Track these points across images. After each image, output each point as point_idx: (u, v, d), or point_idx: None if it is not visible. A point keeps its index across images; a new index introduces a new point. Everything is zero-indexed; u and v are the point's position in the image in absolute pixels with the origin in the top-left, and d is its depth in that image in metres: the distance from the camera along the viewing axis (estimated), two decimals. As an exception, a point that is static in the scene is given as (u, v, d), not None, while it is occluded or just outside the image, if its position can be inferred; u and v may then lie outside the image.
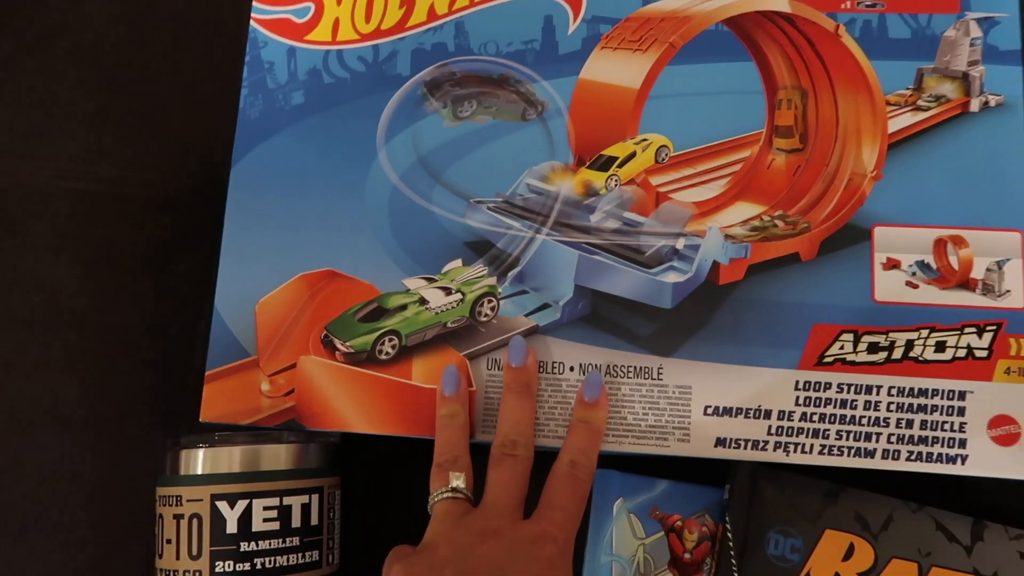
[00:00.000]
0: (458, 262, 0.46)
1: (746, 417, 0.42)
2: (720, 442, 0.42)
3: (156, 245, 0.53)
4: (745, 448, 0.42)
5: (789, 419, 0.42)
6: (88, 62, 0.56)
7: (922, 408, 0.42)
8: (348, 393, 0.45)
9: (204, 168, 0.53)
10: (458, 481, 0.40)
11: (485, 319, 0.45)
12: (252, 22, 0.50)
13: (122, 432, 0.50)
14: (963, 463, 0.41)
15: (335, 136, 0.48)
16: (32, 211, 0.53)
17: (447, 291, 0.45)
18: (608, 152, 0.46)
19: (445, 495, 0.39)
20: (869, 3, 0.46)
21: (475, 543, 0.36)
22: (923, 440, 0.41)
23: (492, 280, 0.45)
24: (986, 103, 0.44)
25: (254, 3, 0.50)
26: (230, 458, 0.42)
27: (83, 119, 0.55)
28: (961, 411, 0.41)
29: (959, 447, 0.41)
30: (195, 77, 0.55)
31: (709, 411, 0.42)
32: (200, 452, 0.42)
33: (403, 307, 0.45)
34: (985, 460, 0.41)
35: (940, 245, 0.43)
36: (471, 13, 0.49)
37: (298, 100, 0.49)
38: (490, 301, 0.45)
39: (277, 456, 0.43)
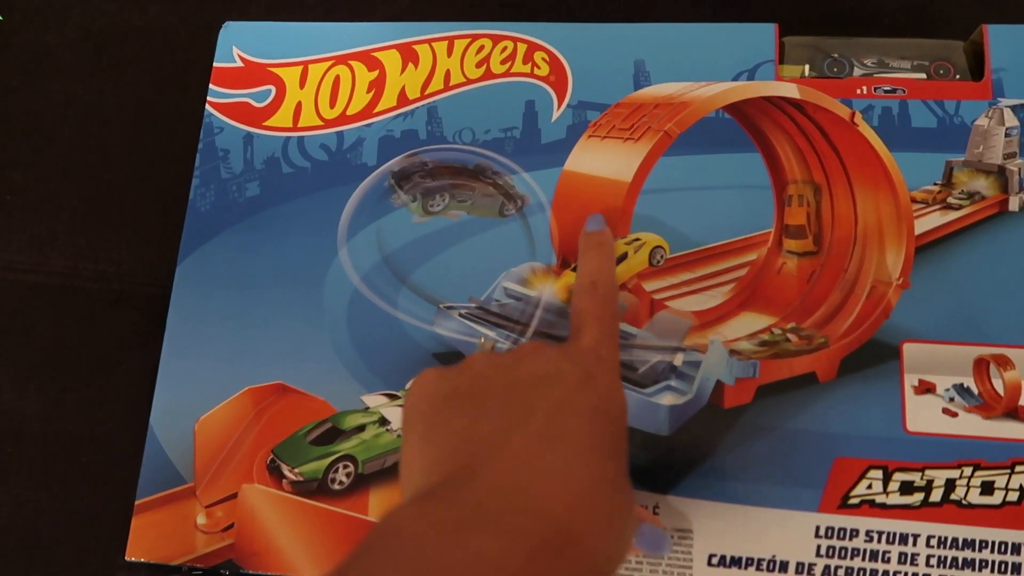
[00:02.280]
0: (425, 377, 0.40)
1: (758, 569, 0.36)
2: (727, 599, 0.36)
3: (107, 343, 0.48)
4: (757, 607, 0.35)
5: (810, 572, 0.36)
6: (44, 145, 0.53)
7: (969, 563, 0.35)
8: (295, 529, 0.39)
9: (162, 260, 0.49)
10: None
11: (454, 444, 0.39)
12: (208, 106, 0.46)
13: (57, 559, 0.45)
14: (1021, 633, 0.34)
15: (292, 232, 0.43)
16: (-24, 306, 0.49)
17: (411, 410, 0.40)
18: (596, 253, 0.41)
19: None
20: (888, 89, 0.41)
21: (514, 358, 0.31)
22: (971, 603, 0.35)
23: (463, 398, 0.40)
24: (1027, 201, 0.39)
25: (211, 85, 0.47)
26: (161, 607, 0.36)
27: (37, 206, 0.52)
28: (1016, 568, 0.35)
29: (1016, 612, 0.34)
30: (155, 162, 0.51)
31: (714, 561, 0.36)
32: (126, 600, 0.36)
33: (361, 428, 0.40)
34: (1048, 629, 0.34)
35: (982, 366, 0.37)
36: (445, 98, 0.44)
37: (253, 191, 0.44)
38: (460, 423, 0.40)
39: (218, 604, 0.37)
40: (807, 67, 0.43)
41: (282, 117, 0.45)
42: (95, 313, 0.49)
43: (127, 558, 0.40)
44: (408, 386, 0.32)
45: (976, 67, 0.42)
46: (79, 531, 0.45)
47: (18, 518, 0.45)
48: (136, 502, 0.40)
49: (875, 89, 0.41)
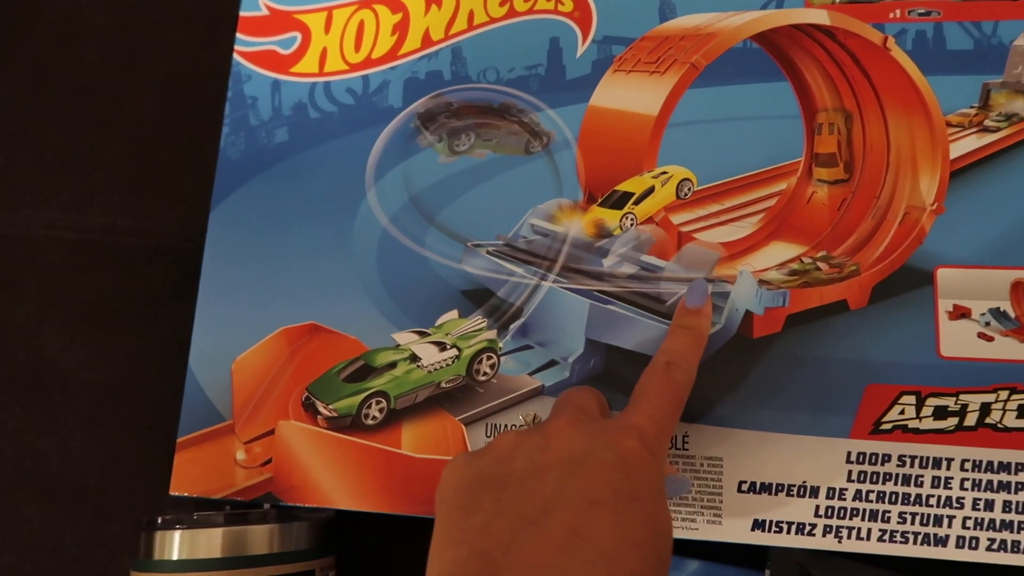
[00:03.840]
0: (454, 313, 0.41)
1: (788, 495, 0.36)
2: (758, 525, 0.36)
3: (146, 297, 0.50)
4: (788, 532, 0.35)
5: (841, 498, 0.35)
6: (80, 105, 0.54)
7: (1004, 486, 0.35)
8: (330, 464, 0.40)
9: (197, 214, 0.50)
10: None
11: (484, 378, 0.40)
12: (235, 55, 0.47)
13: (105, 501, 0.47)
14: (1059, 555, 0.34)
15: (321, 176, 0.44)
16: (20, 264, 0.51)
17: (441, 347, 0.40)
18: (623, 187, 0.41)
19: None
20: (923, 11, 0.40)
21: (545, 433, 0.30)
22: (1007, 525, 0.34)
23: (492, 334, 0.40)
24: (1068, 121, 0.38)
25: (237, 35, 0.47)
26: (210, 542, 0.38)
27: (74, 165, 0.53)
28: (1053, 490, 0.34)
29: (1053, 535, 0.34)
30: (188, 119, 0.52)
31: (744, 487, 0.36)
32: (176, 535, 0.38)
33: (392, 365, 0.40)
34: (1087, 551, 0.33)
35: (1019, 289, 0.36)
36: (469, 38, 0.44)
37: (282, 137, 0.45)
38: (489, 358, 0.40)
39: (263, 538, 0.38)
40: (838, -7, 0.42)
41: (308, 63, 0.46)
42: (133, 268, 0.50)
43: (171, 492, 0.41)
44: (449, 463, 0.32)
45: (1015, -14, 0.40)
46: (125, 474, 0.47)
47: (67, 464, 0.47)
48: (178, 439, 0.42)
49: (909, 12, 0.40)
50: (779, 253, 0.39)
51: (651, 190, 0.40)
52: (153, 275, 0.50)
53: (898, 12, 0.40)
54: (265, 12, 0.47)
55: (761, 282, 0.38)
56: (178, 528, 0.38)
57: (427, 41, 0.45)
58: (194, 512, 0.39)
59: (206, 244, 0.44)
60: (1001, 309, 0.36)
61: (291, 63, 0.46)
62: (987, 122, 0.38)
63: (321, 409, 0.40)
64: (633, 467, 0.29)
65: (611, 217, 0.40)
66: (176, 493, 0.41)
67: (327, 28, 0.46)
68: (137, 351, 0.49)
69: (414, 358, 0.40)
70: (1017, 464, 0.35)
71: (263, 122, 0.45)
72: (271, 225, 0.43)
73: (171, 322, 0.49)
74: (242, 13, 0.47)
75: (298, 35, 0.46)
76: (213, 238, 0.44)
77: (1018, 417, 0.35)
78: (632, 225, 0.40)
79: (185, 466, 0.41)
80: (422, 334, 0.41)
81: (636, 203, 0.40)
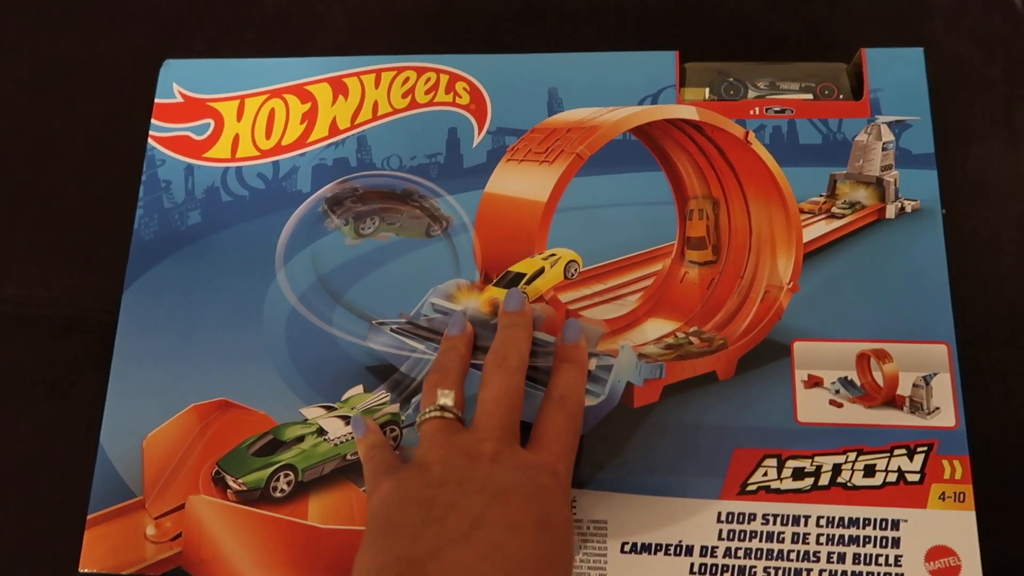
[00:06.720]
0: (359, 388, 0.43)
1: (666, 554, 0.39)
2: (639, 583, 0.39)
3: (60, 368, 0.50)
4: (667, 589, 0.39)
5: (712, 555, 0.39)
6: None
7: (854, 540, 0.38)
8: (239, 536, 0.41)
9: (114, 285, 0.51)
10: (446, 399, 0.38)
11: (387, 450, 0.42)
12: (150, 140, 0.49)
13: (13, 577, 0.46)
14: (902, 601, 0.37)
15: (232, 257, 0.46)
16: (-68, 334, 0.50)
17: (347, 420, 0.42)
18: (516, 268, 0.44)
19: (433, 414, 0.37)
20: (778, 109, 0.45)
21: (470, 465, 0.34)
22: (857, 576, 0.38)
23: (395, 407, 0.43)
24: (902, 209, 0.43)
25: (152, 120, 0.49)
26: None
27: None
28: (896, 542, 0.38)
29: (896, 583, 0.38)
30: (104, 192, 0.53)
31: (627, 548, 0.39)
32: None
33: (300, 439, 0.42)
34: (925, 597, 0.37)
35: (863, 360, 0.41)
36: (374, 127, 0.47)
37: (195, 219, 0.47)
38: (392, 430, 0.42)
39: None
40: (707, 90, 0.46)
41: (221, 149, 0.48)
42: (48, 339, 0.51)
43: (81, 569, 0.42)
44: (372, 490, 0.36)
45: (858, 87, 0.46)
46: (35, 549, 0.46)
47: (-28, 542, 0.47)
48: (88, 516, 0.43)
49: (766, 110, 0.45)
50: (656, 329, 0.43)
51: (541, 271, 0.44)
52: (69, 346, 0.50)
53: (757, 110, 0.45)
54: (180, 99, 0.49)
55: (640, 356, 0.42)
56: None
57: (334, 130, 0.47)
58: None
59: (119, 323, 0.46)
60: (848, 378, 0.41)
61: (204, 148, 0.48)
62: (834, 209, 0.43)
63: (230, 483, 0.42)
64: (549, 502, 0.34)
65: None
66: (85, 570, 0.42)
67: (239, 116, 0.48)
68: (50, 423, 0.49)
69: (321, 432, 0.42)
70: (864, 519, 0.39)
71: (176, 204, 0.47)
72: (183, 305, 0.45)
73: (86, 393, 0.49)
74: (157, 100, 0.50)
75: (211, 122, 0.48)
76: (125, 318, 0.46)
77: (865, 476, 0.39)
78: (524, 303, 0.43)
79: (95, 542, 0.42)
80: (329, 408, 0.43)
81: (528, 283, 0.43)
